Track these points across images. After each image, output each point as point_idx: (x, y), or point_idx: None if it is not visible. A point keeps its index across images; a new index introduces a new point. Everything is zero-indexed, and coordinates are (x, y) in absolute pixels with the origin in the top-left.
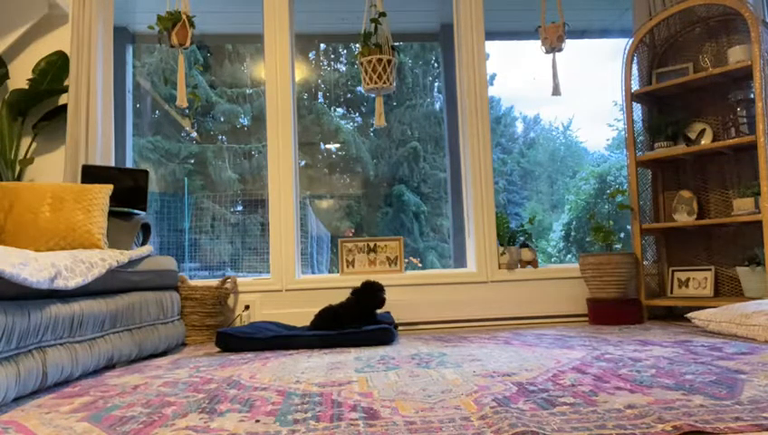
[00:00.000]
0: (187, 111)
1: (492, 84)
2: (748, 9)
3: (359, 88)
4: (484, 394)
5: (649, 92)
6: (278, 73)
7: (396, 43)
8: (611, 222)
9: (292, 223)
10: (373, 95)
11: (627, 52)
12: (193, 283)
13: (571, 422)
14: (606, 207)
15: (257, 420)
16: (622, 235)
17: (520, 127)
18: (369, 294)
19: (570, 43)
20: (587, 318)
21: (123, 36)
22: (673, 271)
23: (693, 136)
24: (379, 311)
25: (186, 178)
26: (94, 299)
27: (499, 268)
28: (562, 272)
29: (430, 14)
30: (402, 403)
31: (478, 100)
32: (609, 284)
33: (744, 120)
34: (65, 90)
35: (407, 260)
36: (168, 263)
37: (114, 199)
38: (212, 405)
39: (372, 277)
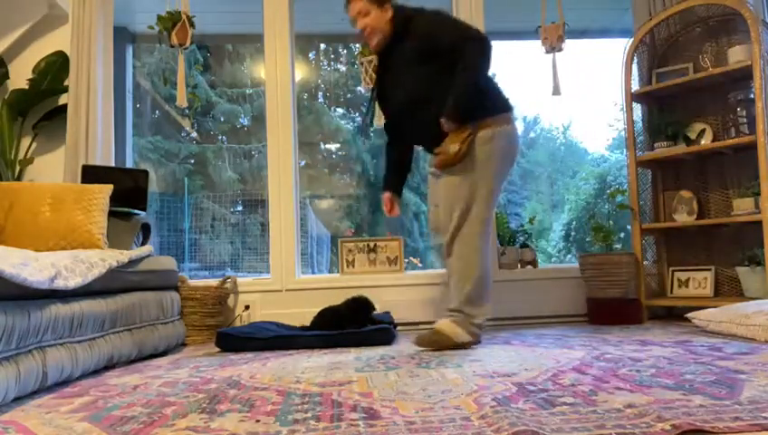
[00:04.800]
0: (187, 111)
1: None
2: (748, 9)
3: (359, 88)
4: (484, 394)
5: (649, 92)
6: (278, 73)
7: None
8: (611, 222)
9: (292, 223)
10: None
11: (627, 52)
12: (193, 283)
13: (570, 422)
14: (606, 207)
15: (257, 420)
16: (622, 235)
17: (520, 127)
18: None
19: (570, 43)
20: (587, 318)
21: (123, 36)
22: (673, 271)
23: (693, 136)
24: (378, 311)
25: (186, 178)
26: (94, 299)
27: (499, 268)
28: (562, 272)
29: None
30: (402, 403)
31: None
32: (609, 284)
33: (744, 120)
34: (65, 90)
35: (407, 260)
36: (168, 263)
37: (114, 199)
38: (212, 405)
39: (372, 277)
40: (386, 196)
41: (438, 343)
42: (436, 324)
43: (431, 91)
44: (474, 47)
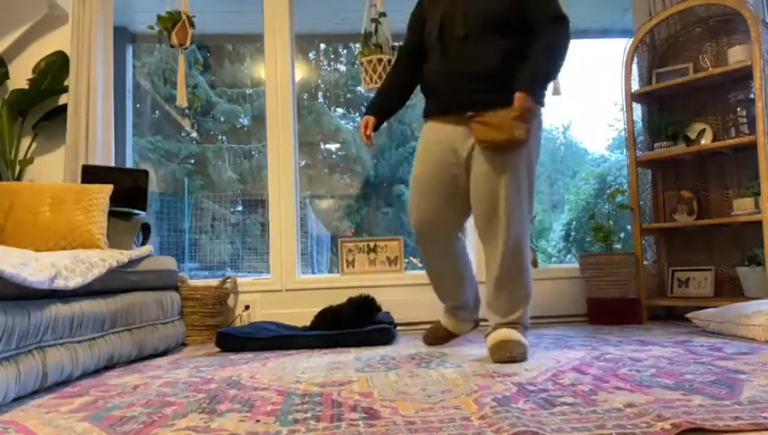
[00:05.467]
0: (187, 111)
1: None
2: (748, 9)
3: (359, 88)
4: (484, 394)
5: (649, 92)
6: (278, 73)
7: (396, 43)
8: (611, 222)
9: (292, 223)
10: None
11: (627, 52)
12: (193, 283)
13: (570, 422)
14: (606, 207)
15: (257, 420)
16: (622, 235)
17: None
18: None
19: (570, 43)
20: (587, 318)
21: (123, 36)
22: (673, 271)
23: (693, 136)
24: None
25: (186, 178)
26: (94, 299)
27: None
28: (562, 272)
29: None
30: (402, 403)
31: None
32: (609, 284)
33: (744, 120)
34: (65, 90)
35: (407, 260)
36: (168, 263)
37: (114, 199)
38: (212, 405)
39: (372, 277)
40: (370, 118)
41: (522, 356)
42: (508, 334)
43: (504, 26)
44: (562, 28)
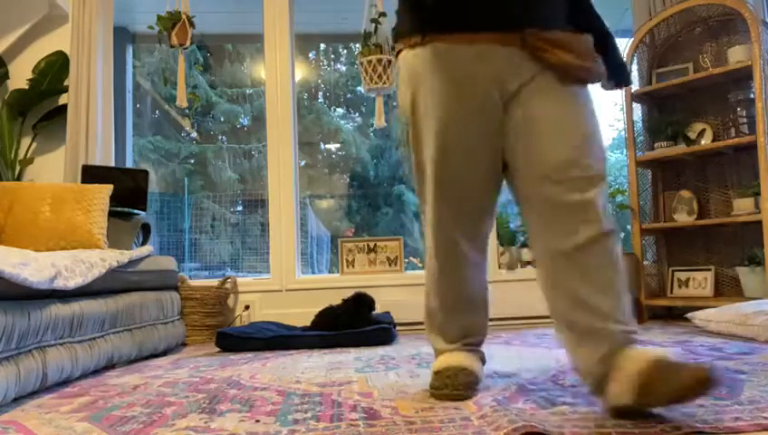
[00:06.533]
0: (187, 111)
1: None
2: (748, 9)
3: (359, 88)
4: (484, 395)
5: (649, 92)
6: (278, 73)
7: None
8: None
9: (292, 223)
10: (373, 95)
11: (627, 52)
12: (193, 283)
13: (570, 421)
14: None
15: (257, 420)
16: (622, 235)
17: None
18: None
19: None
20: None
21: (123, 36)
22: (673, 271)
23: (693, 136)
24: (378, 311)
25: (186, 178)
26: (94, 299)
27: (499, 268)
28: None
29: None
30: (402, 403)
31: None
32: None
33: (744, 120)
34: (65, 90)
35: (407, 260)
36: (168, 263)
37: (114, 199)
38: (212, 405)
39: (372, 277)
40: None
41: None
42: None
43: None
44: None
